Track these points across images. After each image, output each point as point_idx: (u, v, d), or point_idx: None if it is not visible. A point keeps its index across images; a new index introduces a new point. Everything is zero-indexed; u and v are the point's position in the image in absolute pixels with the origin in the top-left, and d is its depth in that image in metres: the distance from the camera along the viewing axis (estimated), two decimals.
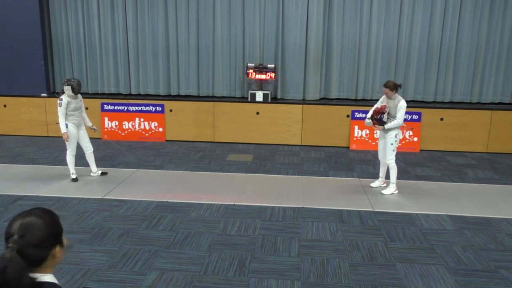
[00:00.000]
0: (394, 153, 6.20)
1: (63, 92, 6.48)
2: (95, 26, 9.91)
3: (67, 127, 6.44)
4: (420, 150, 8.90)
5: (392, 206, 5.91)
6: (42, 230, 1.64)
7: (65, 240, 1.77)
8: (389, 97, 6.12)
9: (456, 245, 4.79)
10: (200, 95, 10.01)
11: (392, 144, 6.16)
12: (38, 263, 1.63)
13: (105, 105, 9.41)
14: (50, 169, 7.34)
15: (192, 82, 9.97)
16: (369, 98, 9.65)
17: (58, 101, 6.42)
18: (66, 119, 6.44)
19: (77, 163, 6.94)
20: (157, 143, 9.25)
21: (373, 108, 6.26)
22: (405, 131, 8.79)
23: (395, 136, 6.16)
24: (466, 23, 9.20)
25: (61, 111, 6.39)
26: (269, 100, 9.33)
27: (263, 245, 4.71)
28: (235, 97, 9.91)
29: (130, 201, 5.91)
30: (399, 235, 5.03)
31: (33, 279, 1.53)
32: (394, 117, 6.08)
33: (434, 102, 9.53)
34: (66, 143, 6.53)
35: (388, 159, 6.23)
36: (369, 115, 6.31)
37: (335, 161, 8.13)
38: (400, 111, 6.00)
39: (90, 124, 6.83)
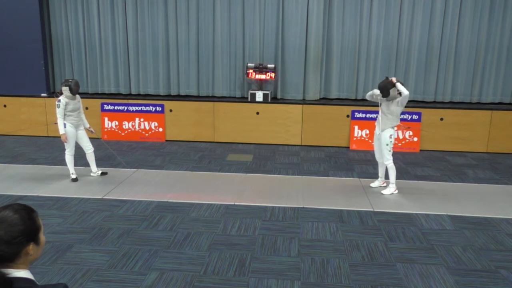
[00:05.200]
0: (391, 153, 6.19)
1: (61, 93, 6.48)
2: (95, 26, 9.91)
3: (65, 127, 6.44)
4: (420, 150, 8.90)
5: (392, 206, 5.91)
6: (16, 226, 1.61)
7: (42, 238, 1.73)
8: (393, 97, 6.04)
9: (456, 245, 4.79)
10: (200, 95, 10.01)
11: (387, 144, 6.14)
12: (9, 259, 1.61)
13: (105, 105, 9.41)
14: (50, 169, 7.34)
15: (192, 82, 9.97)
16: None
17: (56, 102, 6.42)
18: (64, 119, 6.43)
19: (77, 163, 6.94)
20: (157, 143, 9.25)
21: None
22: (405, 131, 8.79)
23: (390, 137, 6.13)
24: (466, 23, 9.20)
25: (59, 112, 6.39)
26: (269, 100, 9.33)
27: (263, 245, 4.71)
28: (235, 97, 9.91)
29: (130, 201, 5.91)
30: (399, 235, 5.03)
31: (4, 274, 1.51)
32: (396, 115, 6.08)
33: (434, 102, 9.53)
34: (65, 143, 6.53)
35: (385, 160, 6.22)
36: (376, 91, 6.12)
37: (335, 161, 8.13)
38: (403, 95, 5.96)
39: (88, 126, 6.82)
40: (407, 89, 9.47)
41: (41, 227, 1.73)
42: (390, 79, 6.01)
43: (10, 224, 1.61)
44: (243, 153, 8.55)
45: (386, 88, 5.95)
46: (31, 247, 1.66)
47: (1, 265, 1.59)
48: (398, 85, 5.92)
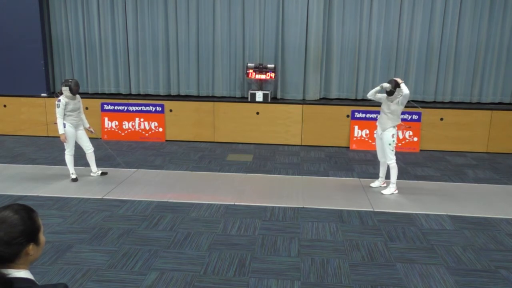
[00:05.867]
0: (394, 152, 6.20)
1: (61, 93, 6.48)
2: (95, 26, 9.91)
3: (65, 127, 6.43)
4: (420, 150, 8.90)
5: (392, 206, 5.91)
6: (16, 227, 1.61)
7: (42, 238, 1.73)
8: (395, 97, 6.07)
9: (456, 245, 4.79)
10: (200, 95, 10.01)
11: (390, 144, 6.15)
12: (9, 260, 1.61)
13: (105, 105, 9.41)
14: (50, 169, 7.33)
15: (192, 82, 9.97)
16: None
17: (56, 102, 6.42)
18: (64, 119, 6.43)
19: (77, 163, 6.94)
20: (157, 143, 9.25)
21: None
22: (404, 131, 8.79)
23: (392, 136, 6.14)
24: (466, 23, 9.20)
25: (59, 112, 6.39)
26: (269, 100, 9.33)
27: (263, 245, 4.70)
28: (235, 97, 9.91)
29: (130, 201, 5.91)
30: (399, 235, 5.02)
31: (4, 275, 1.51)
32: (397, 115, 6.10)
33: (434, 102, 9.53)
34: (64, 143, 6.53)
35: (388, 159, 6.22)
36: (384, 86, 6.08)
37: (335, 161, 8.13)
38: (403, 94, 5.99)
39: (87, 125, 6.82)
40: (408, 88, 9.54)
41: (41, 227, 1.73)
42: (396, 79, 6.09)
43: (10, 225, 1.61)
44: (243, 153, 8.55)
45: (396, 85, 6.00)
46: (31, 248, 1.66)
47: (1, 266, 1.59)
48: (402, 85, 5.99)
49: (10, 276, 1.55)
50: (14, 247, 1.61)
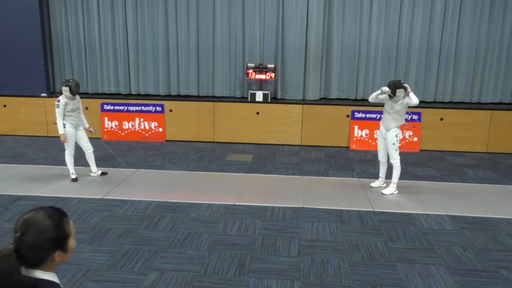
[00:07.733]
0: (398, 152, 6.20)
1: (61, 93, 6.48)
2: (95, 26, 9.91)
3: (64, 127, 6.43)
4: (420, 150, 8.90)
5: (392, 206, 5.91)
6: (44, 233, 1.58)
7: (71, 244, 1.68)
8: (398, 98, 6.07)
9: (456, 245, 4.79)
10: (200, 95, 10.01)
11: (394, 144, 6.16)
12: (35, 264, 1.59)
13: (105, 105, 9.41)
14: (50, 169, 7.33)
15: (192, 82, 9.97)
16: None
17: (56, 102, 6.42)
18: (64, 119, 6.43)
19: (77, 163, 6.94)
20: (157, 143, 9.25)
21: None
22: (404, 131, 8.78)
23: (396, 136, 6.15)
24: (466, 23, 9.20)
25: (58, 112, 6.39)
26: (269, 100, 9.32)
27: (263, 245, 4.71)
28: (235, 97, 9.91)
29: (130, 201, 5.91)
30: (399, 235, 5.03)
31: (30, 278, 1.50)
32: (401, 115, 6.11)
33: (434, 102, 9.53)
34: (64, 144, 6.53)
35: (392, 159, 6.22)
36: (384, 90, 6.07)
37: (335, 161, 8.13)
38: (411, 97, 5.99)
39: (87, 126, 6.81)
40: None
41: (71, 233, 1.68)
42: (405, 84, 6.06)
43: (39, 230, 1.57)
44: (243, 153, 8.55)
45: (395, 87, 5.99)
46: (57, 255, 1.62)
47: (27, 266, 1.58)
48: (411, 94, 5.96)
49: (35, 277, 1.55)
50: (40, 253, 1.58)
